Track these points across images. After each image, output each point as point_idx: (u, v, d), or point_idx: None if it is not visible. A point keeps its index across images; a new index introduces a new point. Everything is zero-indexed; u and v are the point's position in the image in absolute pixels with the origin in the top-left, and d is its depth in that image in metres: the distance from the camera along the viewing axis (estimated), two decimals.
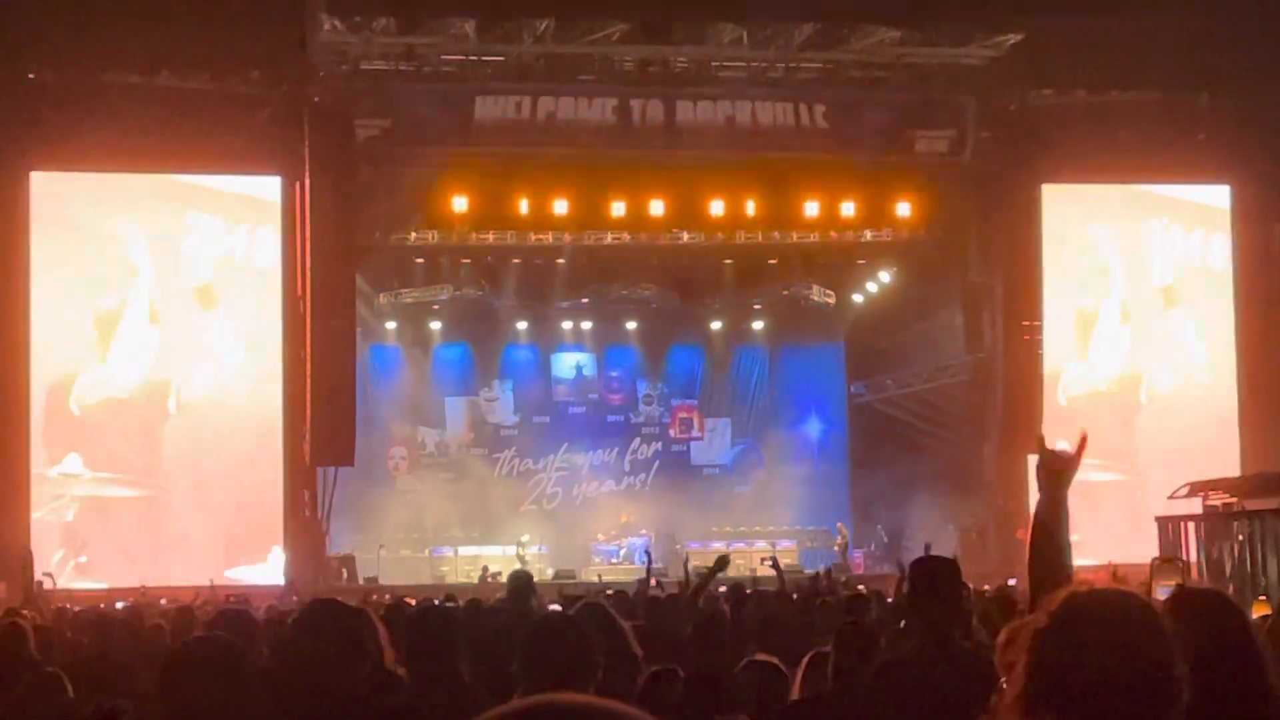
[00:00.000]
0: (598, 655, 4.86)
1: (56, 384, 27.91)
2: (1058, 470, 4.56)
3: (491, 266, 32.52)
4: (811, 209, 29.66)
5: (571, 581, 27.78)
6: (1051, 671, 2.99)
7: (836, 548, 32.87)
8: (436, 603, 12.44)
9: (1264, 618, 9.47)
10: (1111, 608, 3.08)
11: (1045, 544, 4.52)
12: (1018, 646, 3.10)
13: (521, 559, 31.91)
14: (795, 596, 14.15)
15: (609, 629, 5.76)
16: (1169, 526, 25.12)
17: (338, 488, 29.19)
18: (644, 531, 33.32)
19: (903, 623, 8.53)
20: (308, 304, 27.80)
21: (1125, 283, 31.53)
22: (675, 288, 34.27)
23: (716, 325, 36.46)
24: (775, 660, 7.17)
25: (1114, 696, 2.95)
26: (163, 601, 18.20)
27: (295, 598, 20.09)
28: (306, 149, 27.65)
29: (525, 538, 32.80)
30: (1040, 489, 4.60)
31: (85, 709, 6.35)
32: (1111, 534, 30.11)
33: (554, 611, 8.32)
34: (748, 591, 14.30)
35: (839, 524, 34.13)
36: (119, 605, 17.36)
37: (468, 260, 32.13)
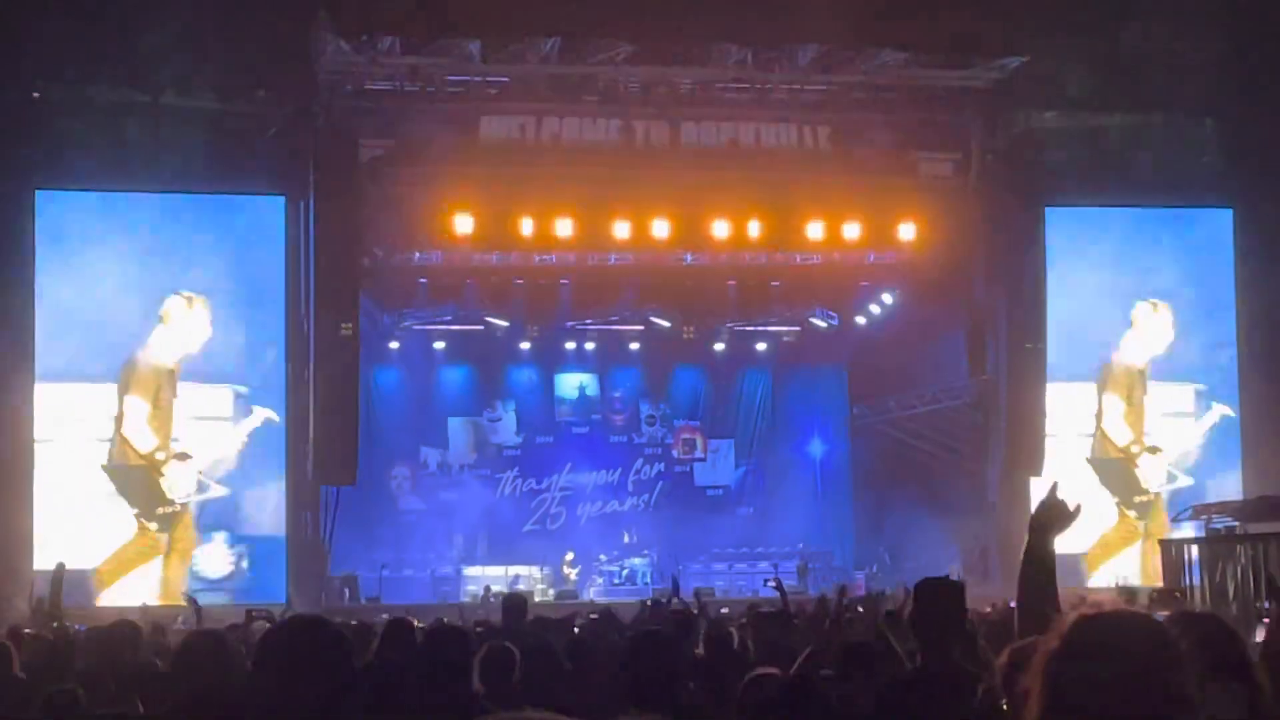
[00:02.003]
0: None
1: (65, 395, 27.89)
2: (1054, 520, 4.60)
3: (495, 287, 32.54)
4: (815, 231, 29.67)
5: (573, 602, 27.82)
6: (1066, 694, 2.99)
7: (797, 570, 32.78)
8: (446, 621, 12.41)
9: (1265, 642, 9.48)
10: (1123, 629, 3.08)
11: (1038, 574, 4.54)
12: (1031, 670, 3.10)
13: (567, 579, 32.07)
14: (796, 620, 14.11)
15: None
16: (1172, 550, 25.11)
17: (340, 507, 29.22)
18: (646, 552, 33.35)
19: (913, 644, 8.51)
20: (311, 323, 27.83)
21: (1129, 306, 31.49)
22: (678, 309, 34.29)
23: (719, 346, 36.49)
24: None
25: (1128, 718, 2.95)
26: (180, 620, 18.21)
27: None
28: (311, 169, 27.71)
29: (570, 555, 32.92)
30: (1032, 529, 4.64)
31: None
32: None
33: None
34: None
35: (800, 545, 34.07)
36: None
37: (471, 280, 32.14)
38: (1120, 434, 31.63)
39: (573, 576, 32.52)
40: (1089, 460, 30.90)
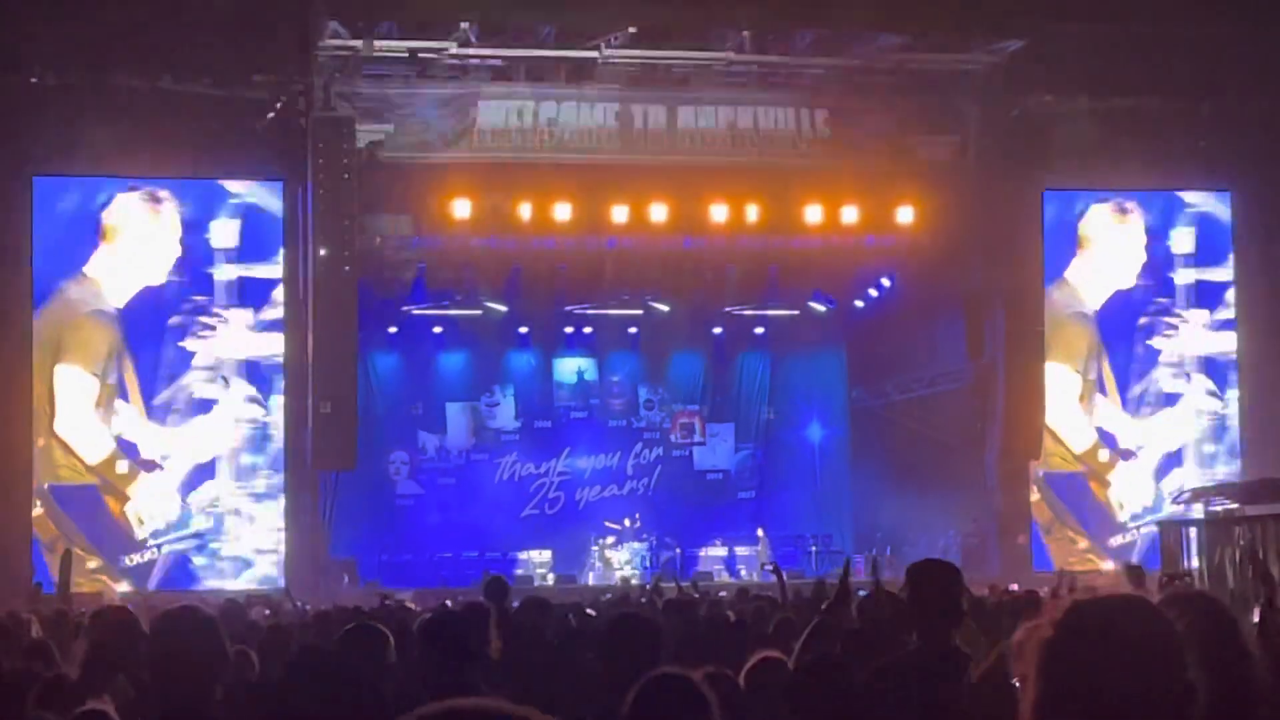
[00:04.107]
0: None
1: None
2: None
3: (493, 271, 32.49)
4: (813, 214, 29.66)
5: (572, 586, 27.89)
6: (1062, 683, 2.97)
7: (756, 555, 32.74)
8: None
9: (1260, 624, 9.49)
10: (1120, 615, 3.06)
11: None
12: (1026, 657, 3.08)
13: (607, 562, 31.90)
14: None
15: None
16: (1170, 532, 25.10)
17: (339, 492, 29.25)
18: (646, 536, 33.33)
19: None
20: (310, 307, 27.81)
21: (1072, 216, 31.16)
22: (676, 293, 34.24)
23: (718, 330, 36.45)
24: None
25: (1128, 705, 2.92)
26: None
27: (299, 602, 20.09)
28: (309, 154, 27.67)
29: (610, 539, 32.78)
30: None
31: None
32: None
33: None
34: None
35: (759, 529, 33.91)
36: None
37: (469, 265, 32.10)
38: (1076, 432, 29.16)
39: (615, 561, 32.29)
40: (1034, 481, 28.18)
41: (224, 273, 26.56)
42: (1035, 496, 29.22)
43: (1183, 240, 30.46)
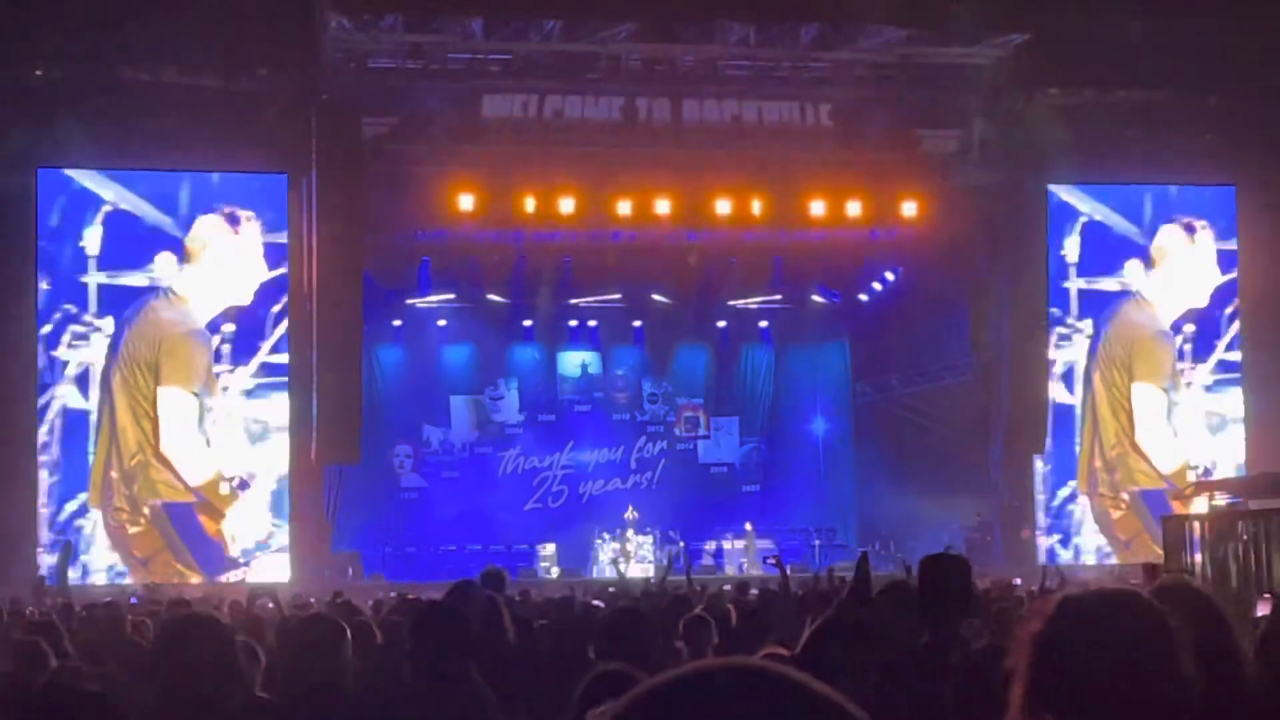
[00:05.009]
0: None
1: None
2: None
3: (497, 264, 32.49)
4: (817, 208, 29.65)
5: (578, 580, 27.87)
6: (1052, 676, 2.95)
7: (744, 549, 32.70)
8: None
9: (1270, 615, 9.48)
10: (1110, 608, 3.04)
11: None
12: (1015, 652, 3.05)
13: (627, 553, 31.76)
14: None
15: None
16: (1174, 526, 25.06)
17: (343, 486, 29.24)
18: (649, 529, 33.32)
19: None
20: (314, 301, 27.82)
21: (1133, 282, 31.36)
22: (681, 286, 34.23)
23: (722, 324, 36.44)
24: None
25: (1121, 699, 2.90)
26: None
27: (300, 595, 20.11)
28: (314, 147, 27.68)
29: (630, 532, 32.49)
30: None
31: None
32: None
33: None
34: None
35: (747, 523, 33.82)
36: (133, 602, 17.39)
37: (474, 258, 32.10)
38: (1164, 452, 29.11)
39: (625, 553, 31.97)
40: (1124, 496, 28.99)
41: (94, 279, 26.58)
42: (1121, 512, 29.16)
43: (1072, 249, 30.65)
